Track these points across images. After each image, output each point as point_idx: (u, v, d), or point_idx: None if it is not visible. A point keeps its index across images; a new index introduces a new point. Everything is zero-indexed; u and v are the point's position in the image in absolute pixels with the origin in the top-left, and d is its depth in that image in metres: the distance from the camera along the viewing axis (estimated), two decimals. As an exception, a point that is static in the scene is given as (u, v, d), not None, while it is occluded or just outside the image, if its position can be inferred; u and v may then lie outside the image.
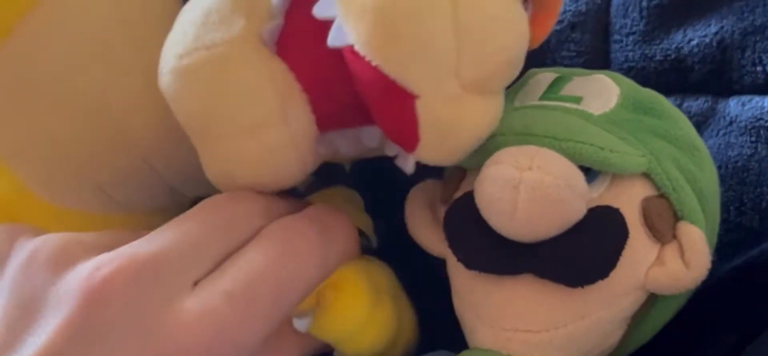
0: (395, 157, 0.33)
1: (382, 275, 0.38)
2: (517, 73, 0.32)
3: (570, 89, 0.36)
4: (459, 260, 0.34)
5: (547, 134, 0.33)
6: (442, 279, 0.38)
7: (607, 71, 0.37)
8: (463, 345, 0.36)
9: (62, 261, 0.30)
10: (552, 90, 0.37)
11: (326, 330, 0.35)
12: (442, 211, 0.36)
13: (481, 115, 0.32)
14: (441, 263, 0.38)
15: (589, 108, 0.35)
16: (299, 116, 0.33)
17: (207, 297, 0.29)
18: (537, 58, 0.51)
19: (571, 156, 0.32)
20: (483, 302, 0.34)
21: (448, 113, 0.31)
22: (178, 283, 0.30)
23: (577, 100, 0.35)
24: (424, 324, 0.40)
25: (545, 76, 0.38)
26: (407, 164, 0.33)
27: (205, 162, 0.34)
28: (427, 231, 0.37)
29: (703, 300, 0.36)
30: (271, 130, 0.32)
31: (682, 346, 0.37)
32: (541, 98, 0.36)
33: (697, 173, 0.34)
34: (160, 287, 0.29)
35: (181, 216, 0.32)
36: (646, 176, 0.33)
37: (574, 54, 0.50)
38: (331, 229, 0.34)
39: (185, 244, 0.31)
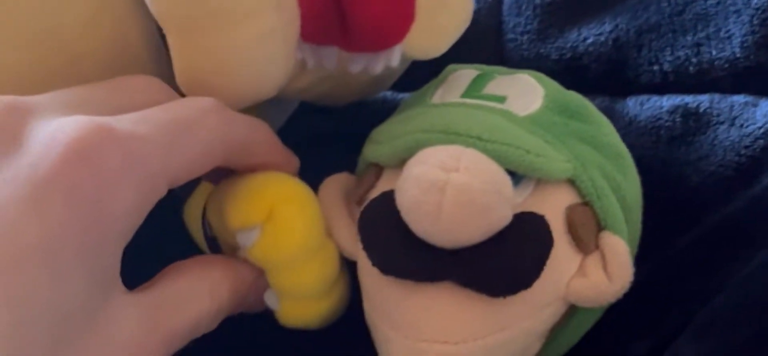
0: (363, 69, 0.34)
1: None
2: None
3: (493, 87, 0.35)
4: (374, 264, 0.32)
5: (471, 134, 0.31)
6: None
7: (530, 71, 0.36)
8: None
9: None
10: (474, 88, 0.35)
11: (273, 246, 0.33)
12: (356, 210, 0.34)
13: None
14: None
15: (513, 109, 0.33)
16: (290, 4, 0.31)
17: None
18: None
19: (496, 158, 0.30)
20: (398, 310, 0.32)
21: None
22: None
23: (501, 99, 0.34)
24: (329, 334, 0.38)
25: (466, 73, 0.36)
26: (392, 58, 0.34)
27: (186, 62, 0.31)
28: (339, 228, 0.34)
29: (611, 308, 0.35)
30: (267, 14, 0.30)
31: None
32: (463, 96, 0.35)
33: (621, 182, 0.33)
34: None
35: None
36: (571, 183, 0.32)
37: (467, 54, 0.48)
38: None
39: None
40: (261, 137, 0.34)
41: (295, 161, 0.36)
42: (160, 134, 0.28)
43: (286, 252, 0.33)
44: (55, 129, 0.26)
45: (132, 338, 0.28)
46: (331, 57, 0.34)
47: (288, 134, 0.42)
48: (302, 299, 0.35)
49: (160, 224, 0.36)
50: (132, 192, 0.27)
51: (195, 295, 0.31)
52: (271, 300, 0.35)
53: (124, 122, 0.27)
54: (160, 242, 0.37)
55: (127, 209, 0.27)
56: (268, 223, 0.32)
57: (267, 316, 0.36)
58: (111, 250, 0.27)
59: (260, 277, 0.34)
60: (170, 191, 0.31)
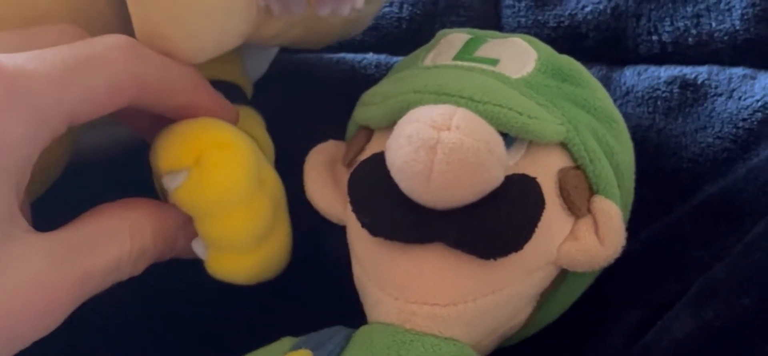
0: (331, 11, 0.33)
1: (270, 174, 0.35)
2: None
3: (485, 50, 0.34)
4: (363, 225, 0.31)
5: (463, 95, 0.31)
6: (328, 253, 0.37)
7: (522, 34, 0.36)
8: (362, 320, 0.33)
9: None
10: (466, 51, 0.34)
11: (197, 190, 0.32)
12: (344, 174, 0.34)
13: None
14: (329, 236, 0.35)
15: (506, 71, 0.33)
16: None
17: None
18: (424, 22, 0.49)
19: (488, 119, 0.30)
20: (388, 272, 0.31)
21: None
22: None
23: (494, 62, 0.33)
24: (317, 300, 0.38)
25: (458, 37, 0.36)
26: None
27: (143, 15, 0.31)
28: (325, 194, 0.34)
29: (604, 276, 0.35)
30: None
31: (584, 325, 0.36)
32: (455, 59, 0.34)
33: (614, 146, 0.33)
34: None
35: None
36: (563, 146, 0.32)
37: (463, 19, 0.49)
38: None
39: None
40: (182, 77, 0.32)
41: (230, 108, 0.35)
42: (54, 68, 0.28)
43: (211, 199, 0.32)
44: None
45: (39, 276, 0.28)
46: (300, 2, 0.33)
47: (279, 99, 0.42)
48: (228, 250, 0.34)
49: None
50: (19, 126, 0.27)
51: (113, 235, 0.31)
52: (198, 249, 0.34)
53: (13, 58, 0.27)
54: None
55: (14, 143, 0.27)
56: (196, 167, 0.32)
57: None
58: (2, 185, 0.27)
59: (189, 223, 0.33)
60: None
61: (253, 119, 0.38)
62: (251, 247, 0.34)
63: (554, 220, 0.31)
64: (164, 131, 0.33)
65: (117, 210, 0.32)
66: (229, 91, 0.35)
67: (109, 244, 0.30)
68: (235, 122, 0.35)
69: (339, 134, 0.37)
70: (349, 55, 0.48)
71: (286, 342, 0.32)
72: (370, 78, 0.41)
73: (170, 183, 0.32)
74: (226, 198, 0.32)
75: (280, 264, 0.35)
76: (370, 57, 0.47)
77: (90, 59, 0.29)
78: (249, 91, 0.40)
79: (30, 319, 0.28)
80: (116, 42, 0.30)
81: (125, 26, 0.32)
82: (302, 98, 0.45)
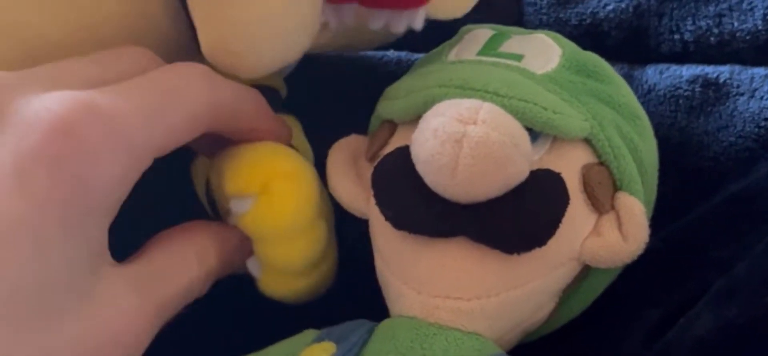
0: (384, 26, 0.33)
1: (326, 199, 0.36)
2: None
3: (509, 46, 0.34)
4: (387, 219, 0.31)
5: (488, 90, 0.31)
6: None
7: (547, 31, 0.36)
8: (385, 314, 0.33)
9: None
10: (490, 46, 0.35)
11: (264, 219, 0.33)
12: (367, 168, 0.34)
13: None
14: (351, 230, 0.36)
15: (531, 67, 0.33)
16: None
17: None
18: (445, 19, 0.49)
19: (513, 114, 0.30)
20: (411, 266, 0.32)
21: None
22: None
23: (518, 58, 0.34)
24: (340, 293, 0.38)
25: (482, 33, 0.36)
26: (416, 20, 0.33)
27: (212, 33, 0.31)
28: (348, 188, 0.34)
29: (625, 274, 0.35)
30: None
31: (605, 322, 0.36)
32: (479, 54, 0.34)
33: (638, 143, 0.33)
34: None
35: None
36: (587, 142, 0.32)
37: (485, 17, 0.49)
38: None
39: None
40: (249, 102, 0.33)
41: (286, 131, 0.36)
42: (143, 104, 0.28)
43: (276, 227, 0.33)
44: (39, 106, 0.26)
45: (124, 310, 0.28)
46: (350, 13, 0.34)
47: (302, 95, 0.42)
48: (284, 273, 0.35)
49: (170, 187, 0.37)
50: (115, 165, 0.27)
51: (183, 263, 0.32)
52: (253, 268, 0.35)
53: (107, 96, 0.27)
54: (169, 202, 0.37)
55: (110, 182, 0.27)
56: (263, 195, 0.33)
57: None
58: (95, 223, 0.27)
59: (245, 241, 0.34)
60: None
61: (295, 127, 0.39)
62: (307, 272, 0.35)
63: (578, 216, 0.31)
64: (230, 154, 0.34)
65: (182, 238, 0.32)
66: (267, 94, 0.36)
67: (181, 272, 0.31)
68: (289, 140, 0.36)
69: (360, 130, 0.37)
70: (370, 52, 0.48)
71: (309, 334, 0.33)
72: (390, 74, 0.41)
73: (238, 208, 0.33)
74: (291, 227, 0.33)
75: (329, 283, 0.37)
76: (391, 54, 0.47)
77: (172, 93, 0.30)
78: (284, 92, 0.41)
79: (118, 352, 0.28)
80: (192, 72, 0.31)
81: (179, 33, 0.32)
82: (323, 93, 0.45)
